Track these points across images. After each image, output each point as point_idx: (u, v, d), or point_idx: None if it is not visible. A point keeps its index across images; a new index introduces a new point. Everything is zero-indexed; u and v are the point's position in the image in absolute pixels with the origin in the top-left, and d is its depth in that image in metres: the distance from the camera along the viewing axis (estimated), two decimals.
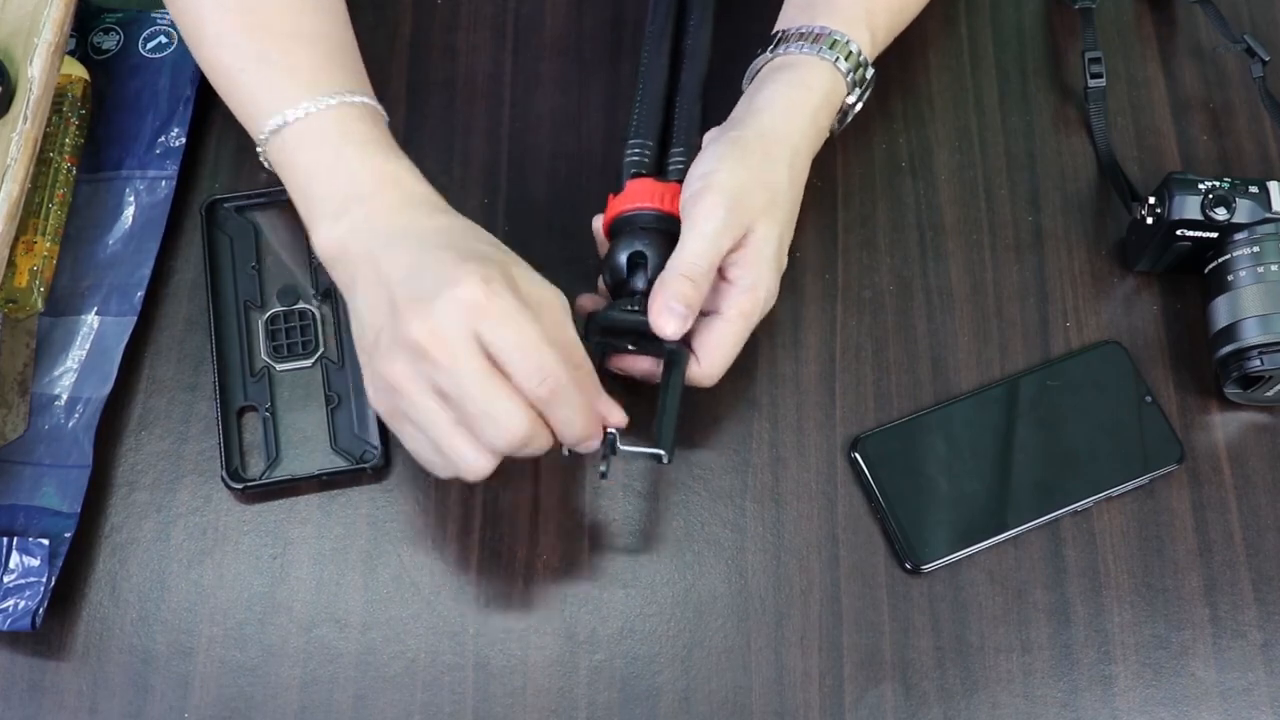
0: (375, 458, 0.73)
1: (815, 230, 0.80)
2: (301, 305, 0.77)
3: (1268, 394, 0.74)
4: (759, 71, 0.76)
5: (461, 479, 0.64)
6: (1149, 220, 0.75)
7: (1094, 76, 0.82)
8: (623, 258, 0.71)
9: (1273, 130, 0.83)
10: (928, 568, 0.71)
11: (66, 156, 0.79)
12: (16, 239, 0.75)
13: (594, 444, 0.65)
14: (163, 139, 0.80)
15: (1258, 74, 0.81)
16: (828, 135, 0.76)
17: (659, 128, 0.77)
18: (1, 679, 0.69)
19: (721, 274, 0.70)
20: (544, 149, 0.83)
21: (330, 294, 0.77)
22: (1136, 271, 0.79)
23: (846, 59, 0.74)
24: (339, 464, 0.73)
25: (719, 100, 0.76)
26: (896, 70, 0.84)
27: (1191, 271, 0.77)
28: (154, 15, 0.84)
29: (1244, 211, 0.72)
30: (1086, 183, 0.82)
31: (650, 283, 0.69)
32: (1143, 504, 0.73)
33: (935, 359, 0.77)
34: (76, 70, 0.81)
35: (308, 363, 0.76)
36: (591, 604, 0.71)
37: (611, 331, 0.71)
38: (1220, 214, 0.72)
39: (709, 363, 0.69)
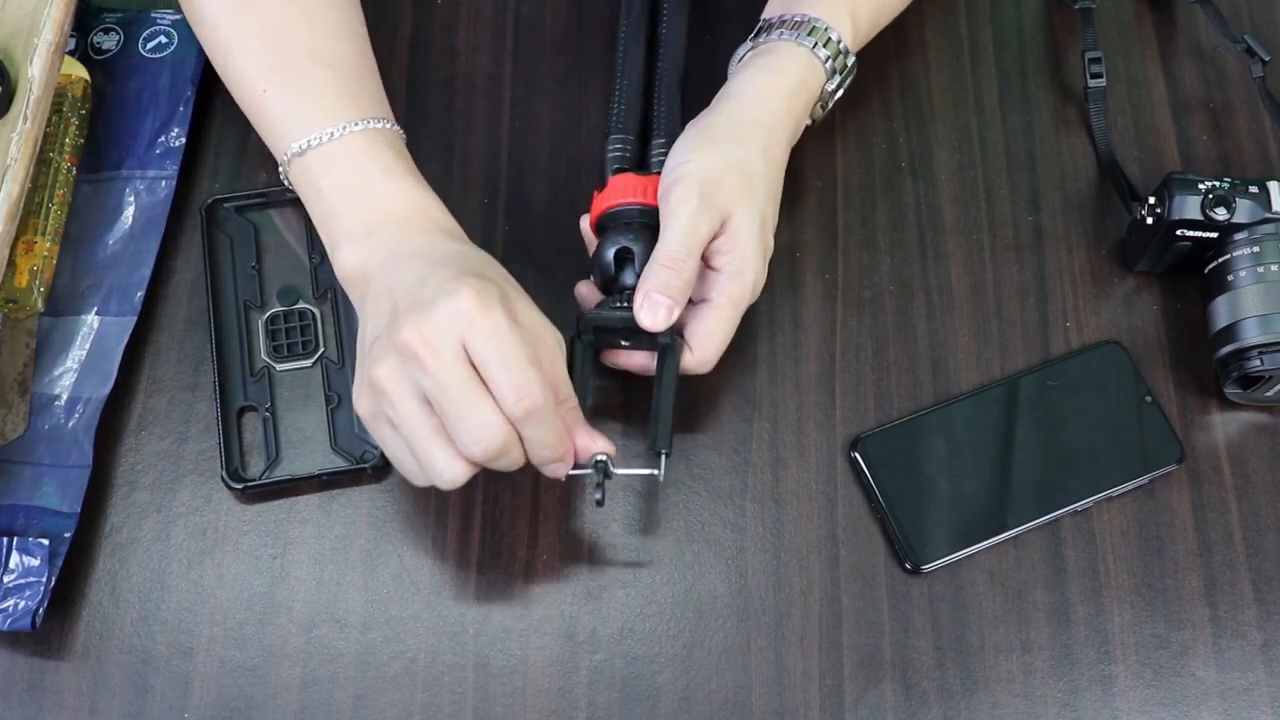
0: (375, 458, 0.73)
1: (815, 230, 0.80)
2: (301, 305, 0.77)
3: (1268, 394, 0.74)
4: (741, 60, 0.76)
5: (436, 487, 0.64)
6: (1149, 220, 0.75)
7: (1094, 76, 0.82)
8: (609, 254, 0.71)
9: (1273, 130, 0.83)
10: (928, 568, 0.71)
11: (66, 156, 0.79)
12: (16, 239, 0.75)
13: (561, 469, 0.66)
14: (163, 139, 0.80)
15: (1258, 74, 0.80)
16: (808, 121, 0.76)
17: (639, 121, 0.77)
18: (1, 679, 0.69)
19: (708, 263, 0.70)
20: (544, 149, 0.83)
21: (330, 294, 0.77)
22: (1136, 271, 0.79)
23: (825, 45, 0.74)
24: (339, 464, 0.73)
25: (706, 94, 0.76)
26: (896, 70, 0.84)
27: (1191, 271, 0.77)
28: (154, 15, 0.84)
29: (1244, 211, 0.72)
30: (1086, 183, 0.82)
31: (639, 277, 0.69)
32: (1143, 504, 0.73)
33: (935, 359, 0.77)
34: (76, 70, 0.81)
35: (308, 363, 0.76)
36: (591, 604, 0.71)
37: (603, 329, 0.71)
38: (1220, 214, 0.72)
39: (701, 351, 0.70)
